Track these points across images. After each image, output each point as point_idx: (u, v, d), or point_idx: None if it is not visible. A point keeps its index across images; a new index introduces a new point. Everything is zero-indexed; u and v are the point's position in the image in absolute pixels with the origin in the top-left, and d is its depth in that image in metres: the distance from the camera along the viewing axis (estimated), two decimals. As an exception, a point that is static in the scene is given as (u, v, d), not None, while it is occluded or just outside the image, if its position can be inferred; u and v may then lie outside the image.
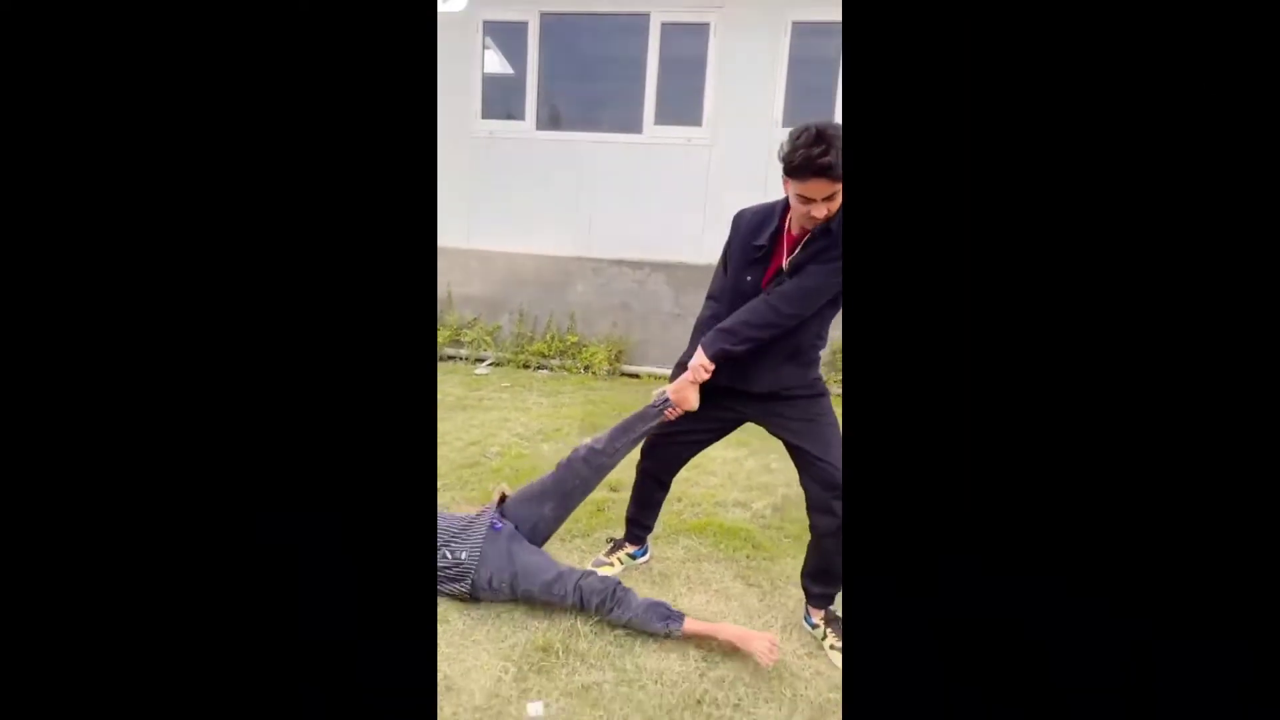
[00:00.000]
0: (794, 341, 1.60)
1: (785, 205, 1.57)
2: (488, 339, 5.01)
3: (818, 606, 1.68)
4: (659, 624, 1.54)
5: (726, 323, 1.59)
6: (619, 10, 4.78)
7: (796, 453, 1.62)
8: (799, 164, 1.38)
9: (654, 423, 1.72)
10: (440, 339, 4.98)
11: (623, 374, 4.72)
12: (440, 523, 1.73)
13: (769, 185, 4.55)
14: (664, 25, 4.73)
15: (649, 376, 4.66)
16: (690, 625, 1.53)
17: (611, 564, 1.94)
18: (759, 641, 1.46)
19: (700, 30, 4.70)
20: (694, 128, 4.78)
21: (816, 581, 1.67)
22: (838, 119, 4.25)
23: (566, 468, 1.77)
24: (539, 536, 1.76)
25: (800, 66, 4.62)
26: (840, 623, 1.65)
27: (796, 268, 1.54)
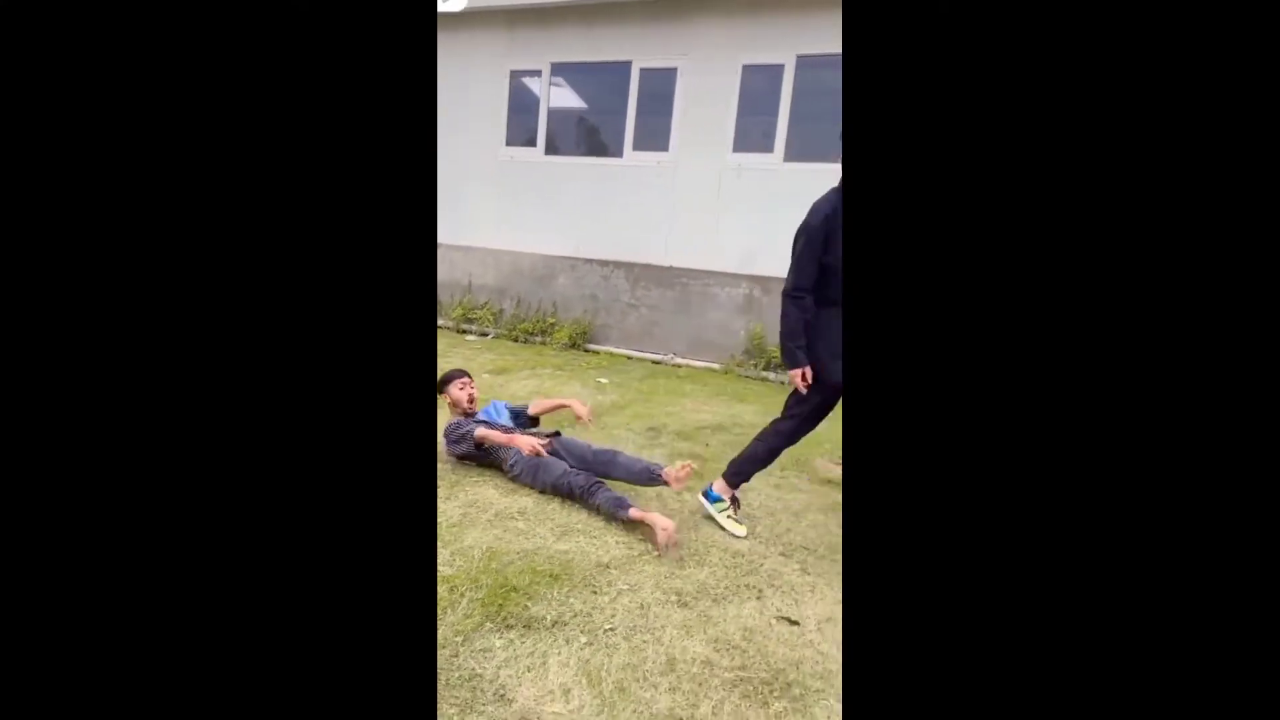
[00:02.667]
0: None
1: None
2: (491, 318, 6.26)
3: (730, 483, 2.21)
4: (617, 510, 2.10)
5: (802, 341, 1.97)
6: (609, 59, 5.93)
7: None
8: None
9: (650, 483, 2.30)
10: (457, 315, 6.30)
11: (586, 349, 5.75)
12: (500, 417, 2.71)
13: (721, 197, 5.46)
14: (642, 70, 5.81)
15: (605, 353, 5.65)
16: (633, 513, 2.07)
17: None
18: (662, 526, 1.98)
19: (670, 74, 5.72)
20: (662, 153, 5.78)
21: (731, 464, 2.22)
22: (780, 149, 5.06)
23: (599, 454, 2.41)
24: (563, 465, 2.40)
25: (748, 101, 5.49)
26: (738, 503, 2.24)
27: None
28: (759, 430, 2.28)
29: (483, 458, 2.54)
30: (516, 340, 5.95)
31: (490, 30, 6.34)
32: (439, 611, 1.56)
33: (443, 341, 5.50)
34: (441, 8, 6.11)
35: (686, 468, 2.18)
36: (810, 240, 1.87)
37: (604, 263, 5.94)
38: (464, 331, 6.19)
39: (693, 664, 1.46)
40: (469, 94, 6.51)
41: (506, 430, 2.55)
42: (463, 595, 1.63)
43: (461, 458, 2.59)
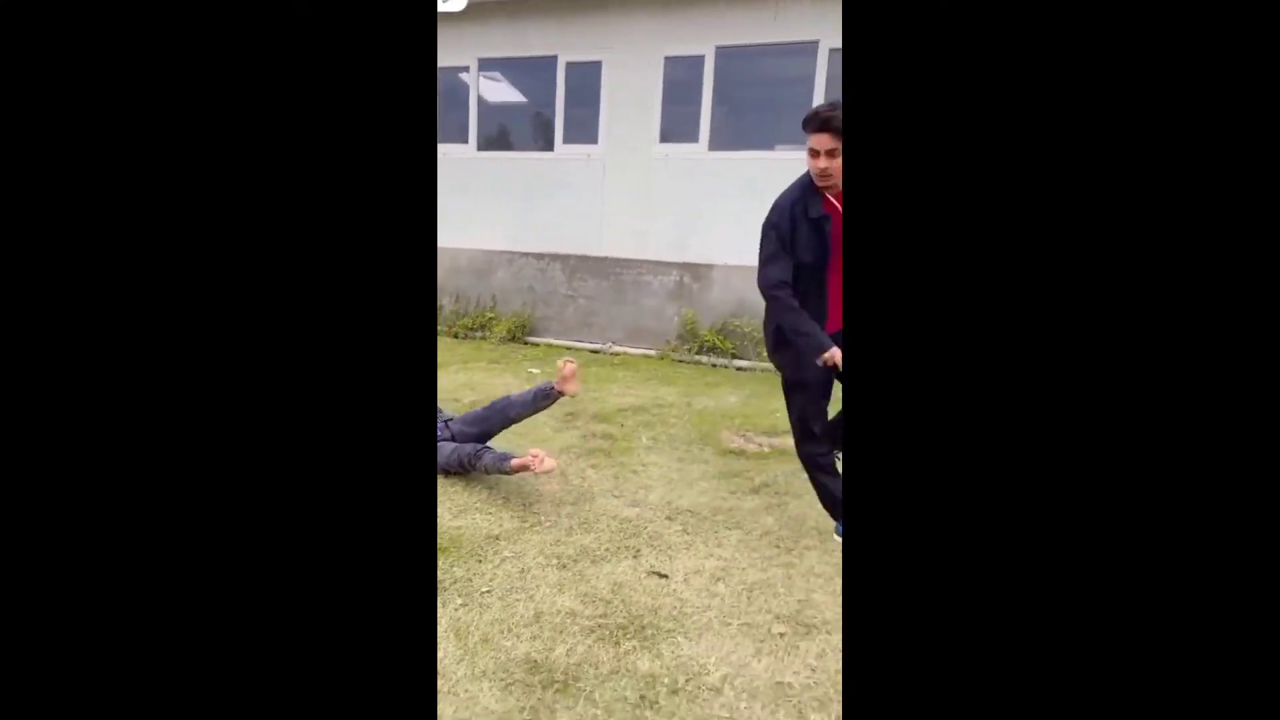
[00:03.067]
0: None
1: (807, 181, 1.81)
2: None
3: None
4: (501, 463, 2.24)
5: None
6: (534, 54, 6.00)
7: None
8: (809, 117, 1.72)
9: (547, 401, 2.46)
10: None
11: (525, 342, 5.85)
12: None
13: (651, 188, 5.59)
14: (568, 64, 5.89)
15: (544, 345, 5.76)
16: (514, 463, 2.20)
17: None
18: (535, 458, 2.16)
19: (595, 67, 5.82)
20: (592, 145, 5.88)
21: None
22: (704, 136, 5.21)
23: (490, 410, 2.53)
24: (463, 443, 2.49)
25: (672, 92, 5.63)
26: None
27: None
28: (677, 410, 2.32)
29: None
30: (457, 336, 6.00)
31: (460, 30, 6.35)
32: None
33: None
34: (441, 7, 6.10)
35: (569, 364, 2.42)
36: (780, 235, 1.84)
37: (540, 255, 6.03)
38: (458, 335, 6.23)
39: (557, 615, 1.60)
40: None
41: None
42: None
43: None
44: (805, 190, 1.81)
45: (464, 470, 2.38)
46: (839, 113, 1.65)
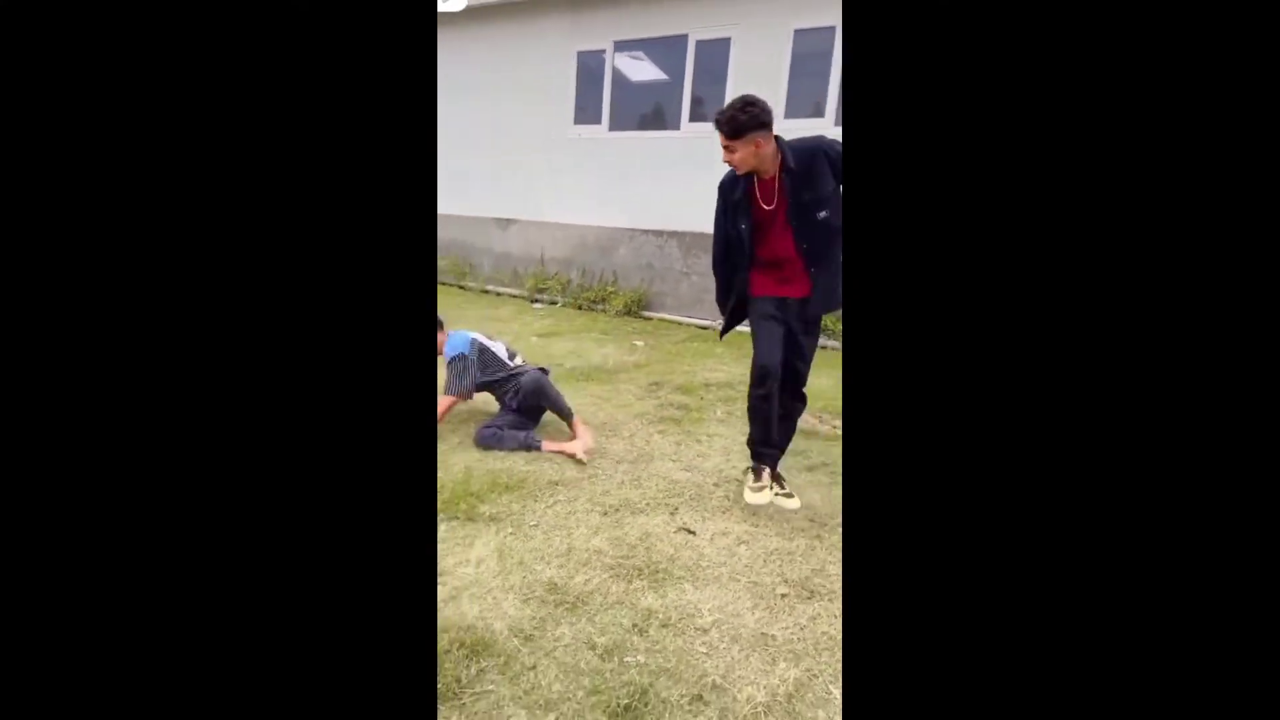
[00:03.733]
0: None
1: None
2: (560, 288, 6.78)
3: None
4: (530, 445, 2.57)
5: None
6: (665, 34, 6.14)
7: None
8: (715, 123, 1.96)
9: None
10: (530, 286, 6.89)
11: (640, 316, 6.12)
12: (493, 346, 2.83)
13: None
14: (698, 42, 5.97)
15: (658, 319, 6.00)
16: (546, 446, 2.55)
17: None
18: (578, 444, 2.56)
19: (724, 44, 5.85)
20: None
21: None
22: (831, 111, 5.16)
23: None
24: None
25: (800, 65, 5.52)
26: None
27: (803, 199, 1.98)
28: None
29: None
30: (580, 308, 6.43)
31: (557, 15, 6.75)
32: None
33: (509, 308, 6.09)
34: (442, 8, 6.45)
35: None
36: (716, 216, 2.19)
37: (660, 233, 6.25)
38: (535, 301, 6.76)
39: (586, 552, 1.84)
40: (540, 77, 6.99)
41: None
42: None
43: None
44: (732, 175, 2.08)
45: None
46: (721, 119, 1.92)
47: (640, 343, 4.85)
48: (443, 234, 8.05)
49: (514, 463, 2.43)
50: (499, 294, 7.05)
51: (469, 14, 7.34)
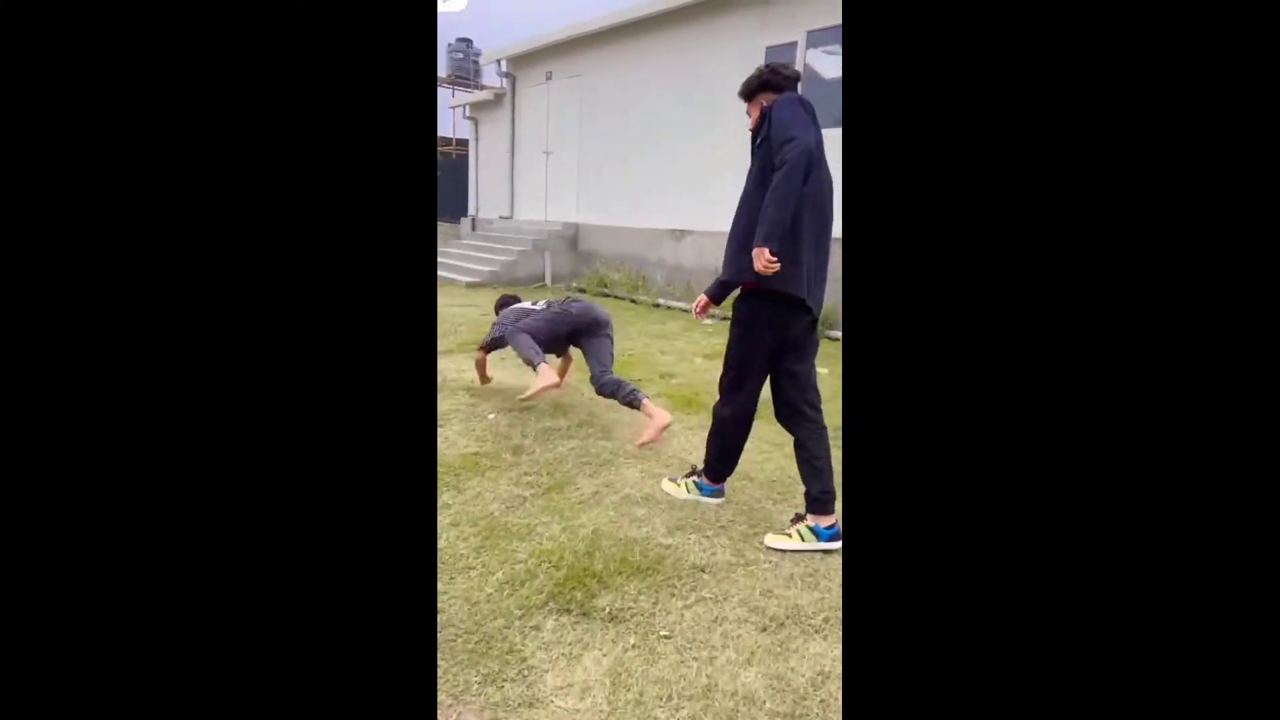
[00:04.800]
0: (817, 258, 1.87)
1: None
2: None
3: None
4: (632, 396, 2.60)
5: (759, 223, 1.72)
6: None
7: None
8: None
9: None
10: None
11: (828, 337, 5.37)
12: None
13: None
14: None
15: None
16: (646, 405, 2.56)
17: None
18: (657, 422, 2.50)
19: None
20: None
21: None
22: None
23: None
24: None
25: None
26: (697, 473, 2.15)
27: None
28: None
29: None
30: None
31: (743, 9, 6.26)
32: (517, 581, 1.65)
33: (678, 323, 5.69)
34: (442, 8, 6.19)
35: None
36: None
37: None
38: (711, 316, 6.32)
39: (731, 697, 1.29)
40: (724, 80, 6.55)
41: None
42: (544, 571, 1.70)
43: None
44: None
45: (608, 393, 2.68)
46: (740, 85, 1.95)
47: (825, 371, 4.16)
48: (616, 247, 7.93)
49: (653, 529, 1.96)
50: (670, 308, 6.71)
51: (646, 23, 7.14)
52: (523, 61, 9.30)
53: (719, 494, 2.14)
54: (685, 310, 6.52)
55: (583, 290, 7.75)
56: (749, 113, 1.94)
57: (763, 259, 1.68)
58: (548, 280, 8.25)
